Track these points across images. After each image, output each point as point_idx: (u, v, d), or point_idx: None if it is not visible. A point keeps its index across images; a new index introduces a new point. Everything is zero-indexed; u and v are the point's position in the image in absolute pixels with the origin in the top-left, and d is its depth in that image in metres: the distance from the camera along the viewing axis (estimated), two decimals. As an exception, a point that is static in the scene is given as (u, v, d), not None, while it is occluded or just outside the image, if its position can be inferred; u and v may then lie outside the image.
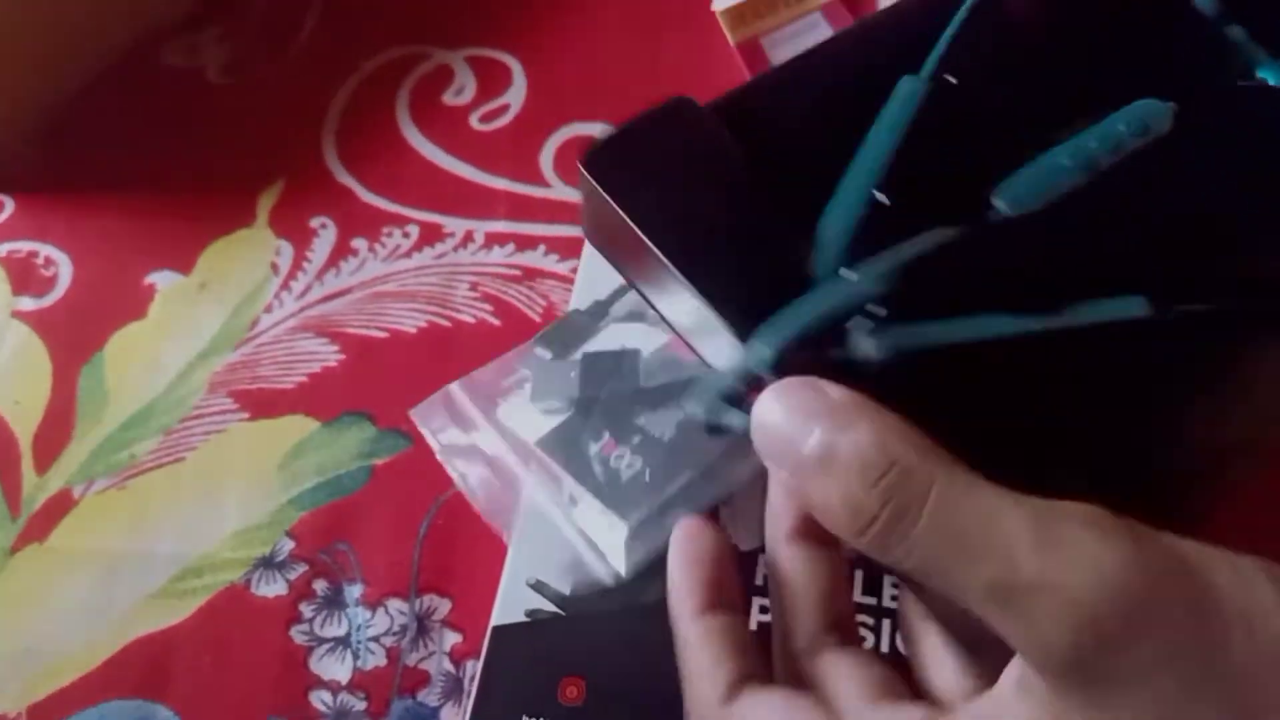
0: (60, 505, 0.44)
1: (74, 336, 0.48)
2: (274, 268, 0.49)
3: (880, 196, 0.31)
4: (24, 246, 0.51)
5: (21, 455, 0.45)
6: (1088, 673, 0.21)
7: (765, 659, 0.27)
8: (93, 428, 0.45)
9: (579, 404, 0.40)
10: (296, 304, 0.48)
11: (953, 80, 0.33)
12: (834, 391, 0.24)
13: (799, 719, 0.25)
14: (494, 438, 0.39)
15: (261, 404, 0.46)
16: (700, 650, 0.27)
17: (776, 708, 0.26)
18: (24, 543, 0.43)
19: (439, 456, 0.39)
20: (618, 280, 0.38)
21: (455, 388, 0.40)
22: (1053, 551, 0.21)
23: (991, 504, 0.22)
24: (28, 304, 0.49)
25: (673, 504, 0.37)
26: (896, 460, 0.23)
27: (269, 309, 0.48)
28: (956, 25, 0.34)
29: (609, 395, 0.40)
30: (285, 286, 0.49)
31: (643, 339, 0.41)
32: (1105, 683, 0.21)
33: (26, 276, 0.50)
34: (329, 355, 0.47)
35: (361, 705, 0.39)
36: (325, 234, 0.50)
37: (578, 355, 0.41)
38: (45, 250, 0.51)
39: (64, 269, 0.50)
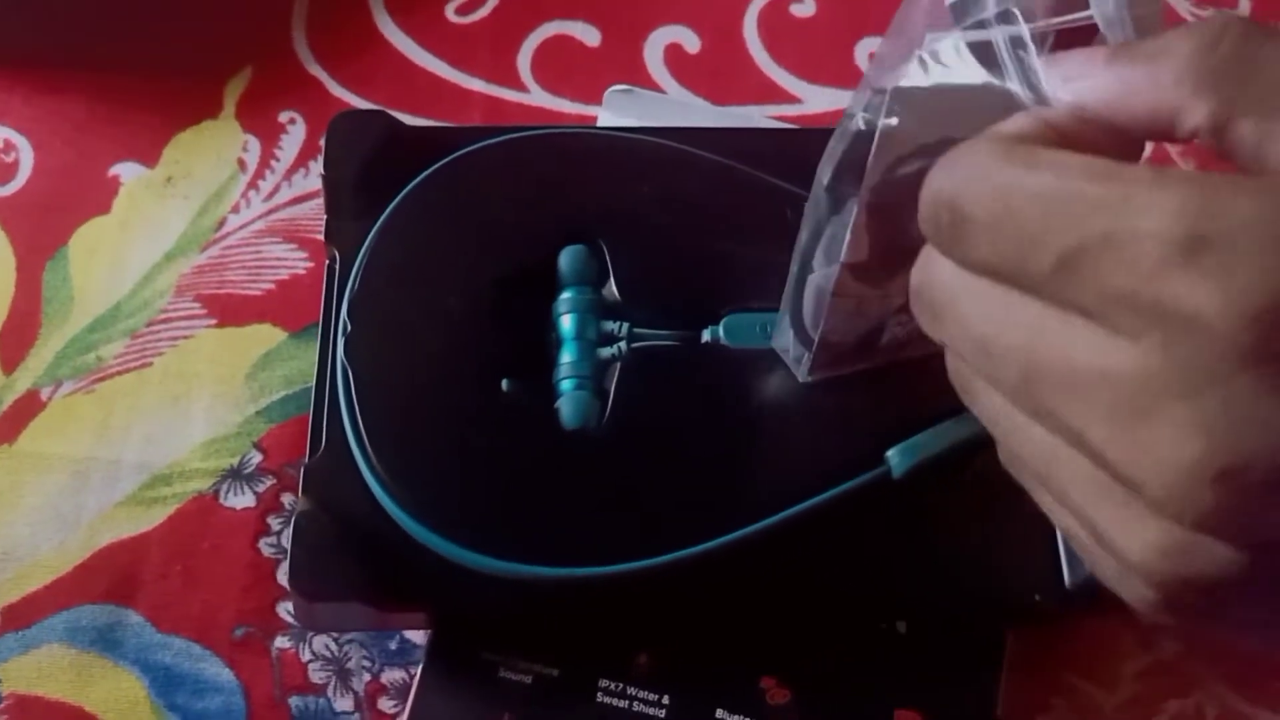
0: (28, 407, 0.44)
1: (37, 229, 0.47)
2: (241, 164, 0.48)
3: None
4: (-18, 129, 0.50)
5: (-12, 353, 0.45)
6: None
7: None
8: (59, 328, 0.45)
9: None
10: (264, 205, 0.47)
11: None
12: None
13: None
14: None
15: (229, 310, 0.45)
16: None
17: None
18: (-7, 444, 0.43)
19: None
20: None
21: None
22: None
23: None
24: (-11, 192, 0.48)
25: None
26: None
27: (236, 209, 0.47)
28: None
29: None
30: (253, 186, 0.48)
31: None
32: None
33: (-13, 162, 0.49)
34: (297, 262, 0.46)
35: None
36: (294, 130, 0.49)
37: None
38: (4, 133, 0.49)
39: (25, 155, 0.49)
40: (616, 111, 0.47)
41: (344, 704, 0.39)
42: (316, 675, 0.40)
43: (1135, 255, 0.20)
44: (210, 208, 0.47)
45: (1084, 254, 0.20)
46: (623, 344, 0.37)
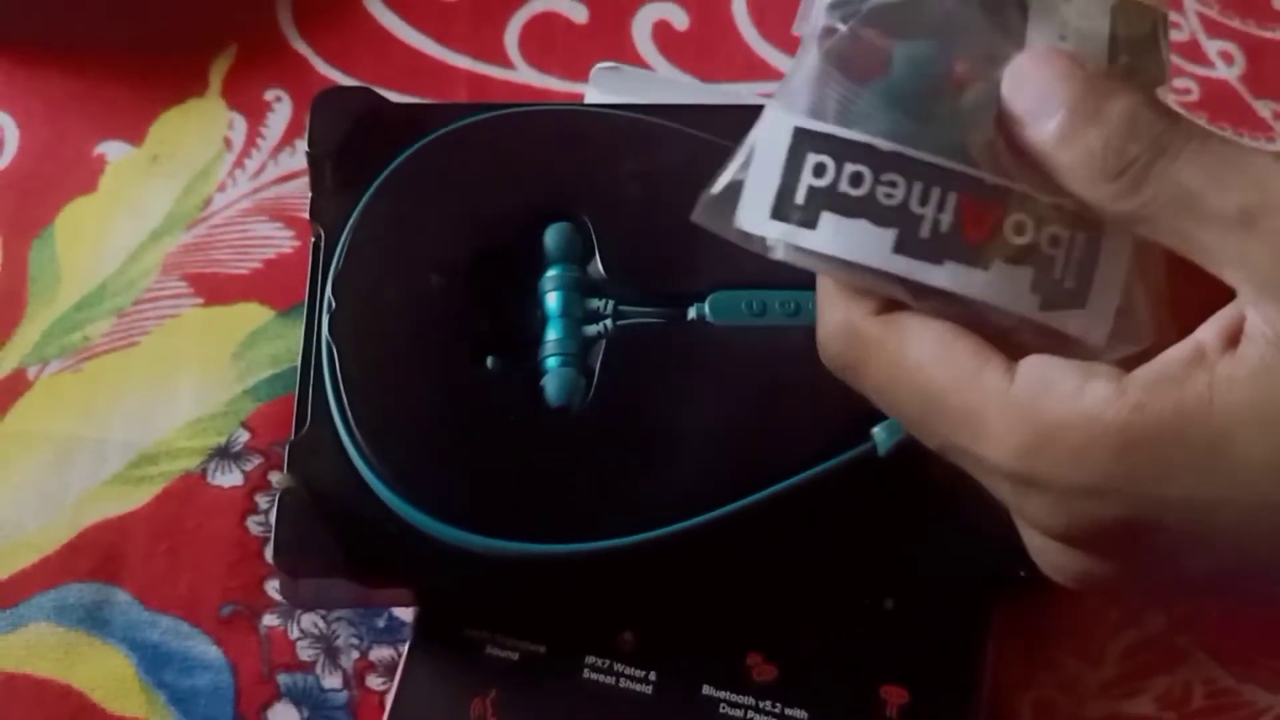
0: (15, 386, 0.44)
1: (24, 208, 0.47)
2: (227, 143, 0.48)
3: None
4: (-34, 108, 0.49)
5: (-26, 333, 0.45)
6: None
7: None
8: (45, 306, 0.45)
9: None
10: (250, 184, 0.47)
11: None
12: (1091, 65, 0.26)
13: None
14: None
15: (215, 289, 0.45)
16: None
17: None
18: (-21, 423, 0.43)
19: None
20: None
21: None
22: None
23: (1247, 149, 0.25)
24: (-26, 171, 0.48)
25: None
26: (1165, 116, 0.25)
27: (222, 188, 0.47)
28: None
29: None
30: (239, 164, 0.48)
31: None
32: None
33: (-29, 141, 0.49)
34: (284, 241, 0.46)
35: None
36: (280, 108, 0.49)
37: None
38: (-11, 112, 0.49)
39: (10, 134, 0.48)
40: (603, 89, 0.47)
41: (332, 681, 0.39)
42: (305, 653, 0.40)
43: None
44: (196, 186, 0.47)
45: None
46: (608, 321, 0.37)
